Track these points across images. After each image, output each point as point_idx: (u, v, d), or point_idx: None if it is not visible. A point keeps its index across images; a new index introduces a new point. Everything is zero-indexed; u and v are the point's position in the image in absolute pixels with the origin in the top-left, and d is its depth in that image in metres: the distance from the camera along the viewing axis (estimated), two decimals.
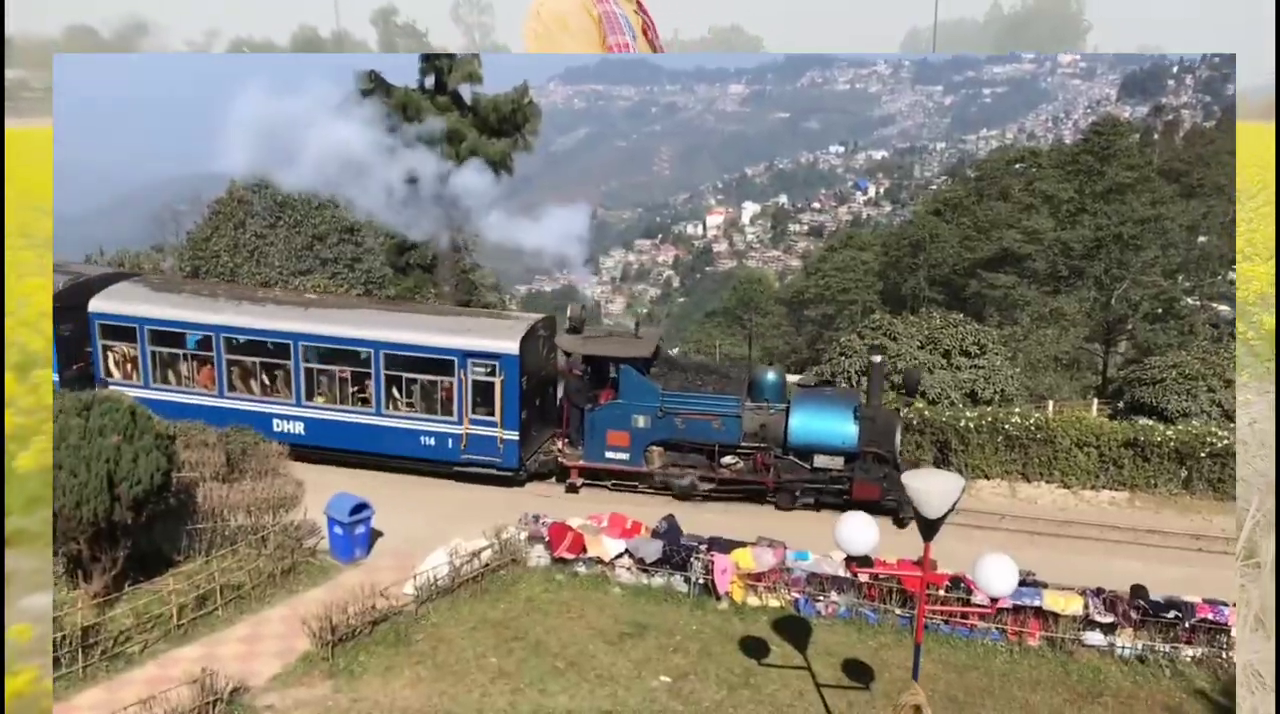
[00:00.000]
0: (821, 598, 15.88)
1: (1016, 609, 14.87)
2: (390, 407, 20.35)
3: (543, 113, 25.18)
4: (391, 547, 17.49)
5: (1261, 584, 9.58)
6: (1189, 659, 14.51)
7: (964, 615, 15.12)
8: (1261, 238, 23.86)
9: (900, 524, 18.59)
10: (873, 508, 18.38)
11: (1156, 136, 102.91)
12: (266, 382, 20.92)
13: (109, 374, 21.33)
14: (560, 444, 20.87)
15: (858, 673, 14.47)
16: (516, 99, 24.11)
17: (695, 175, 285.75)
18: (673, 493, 19.95)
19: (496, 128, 24.28)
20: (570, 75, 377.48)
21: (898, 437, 19.41)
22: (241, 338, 20.78)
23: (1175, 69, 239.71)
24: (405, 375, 20.20)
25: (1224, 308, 64.85)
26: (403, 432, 20.34)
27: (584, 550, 16.79)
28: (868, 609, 15.72)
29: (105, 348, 21.33)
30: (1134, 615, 14.73)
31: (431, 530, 17.59)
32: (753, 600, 16.08)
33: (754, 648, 14.91)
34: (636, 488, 20.37)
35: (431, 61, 24.00)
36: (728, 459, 20.12)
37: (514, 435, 19.96)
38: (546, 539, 16.96)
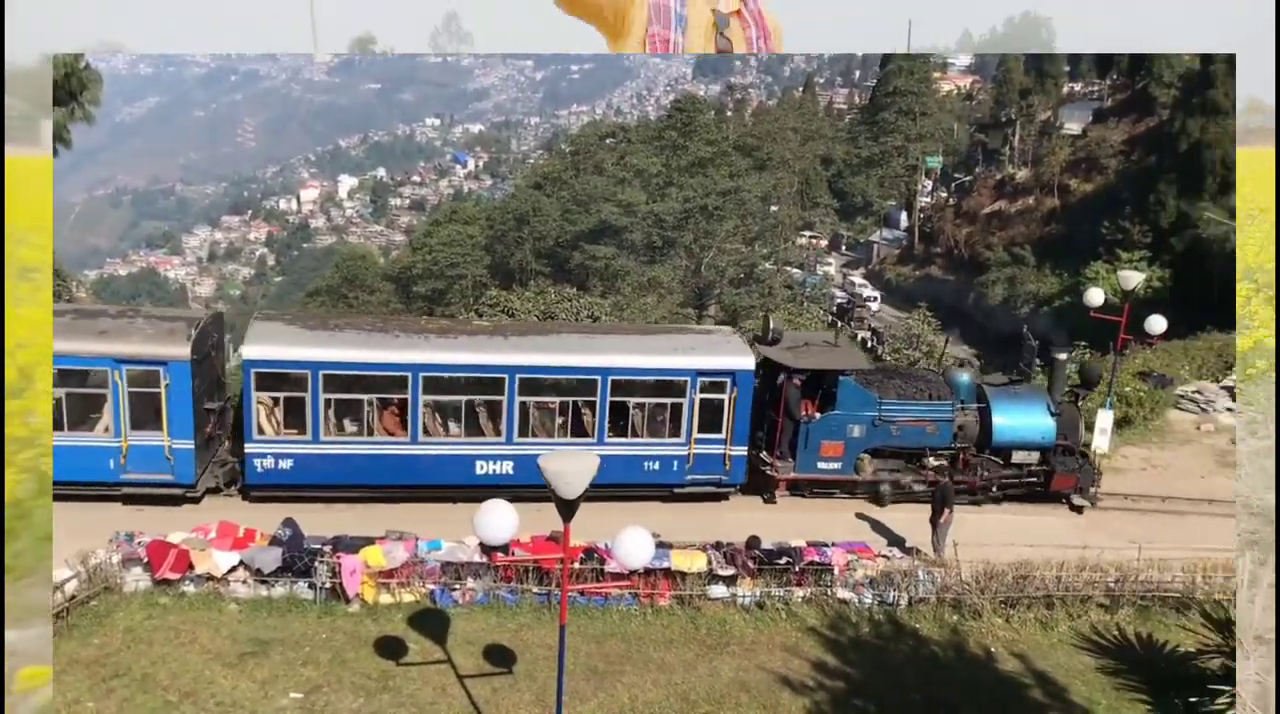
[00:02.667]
0: (458, 586, 15.48)
1: (647, 572, 15.33)
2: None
3: (103, 80, 22.26)
4: None
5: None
6: (800, 600, 15.76)
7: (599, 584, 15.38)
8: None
9: (1078, 510, 20.20)
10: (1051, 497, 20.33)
11: (729, 113, 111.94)
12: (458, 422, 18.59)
13: (261, 432, 17.56)
14: (770, 458, 19.62)
15: (500, 658, 14.25)
16: (70, 63, 21.11)
17: (284, 147, 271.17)
18: (876, 499, 19.69)
19: None
20: None
21: (1080, 428, 20.57)
22: (446, 376, 18.12)
23: (737, 59, 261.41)
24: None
25: (795, 271, 72.34)
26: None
27: (190, 568, 15.12)
28: (505, 591, 15.54)
29: (259, 402, 17.56)
30: (751, 565, 15.72)
31: None
32: (386, 598, 15.33)
33: (391, 648, 14.22)
34: (834, 495, 19.86)
35: None
36: (931, 461, 19.92)
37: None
38: (145, 560, 15.09)
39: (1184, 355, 26.85)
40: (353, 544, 15.51)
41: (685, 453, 19.19)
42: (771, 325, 20.11)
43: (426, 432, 18.41)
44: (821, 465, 19.58)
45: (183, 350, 17.06)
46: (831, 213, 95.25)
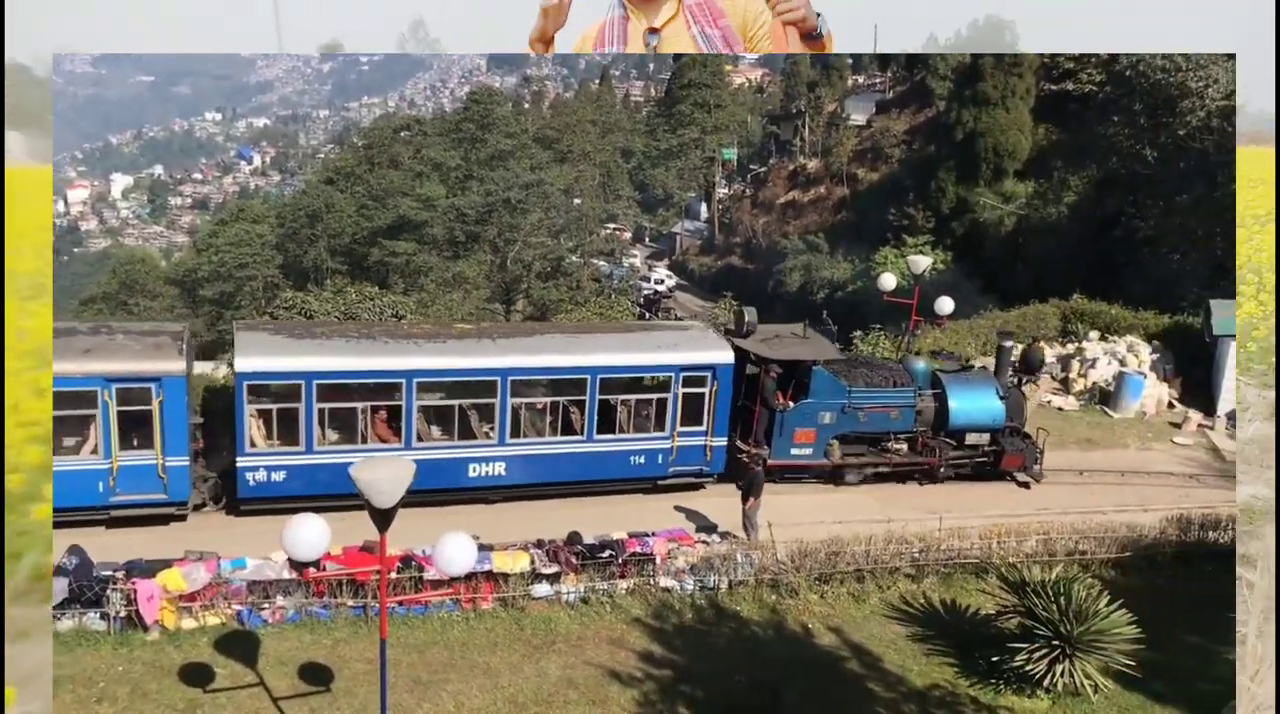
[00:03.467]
0: (267, 605, 14.63)
1: (469, 576, 14.94)
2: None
3: None
4: None
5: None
6: (624, 592, 15.74)
7: (418, 593, 14.87)
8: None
9: (1025, 486, 21.80)
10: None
11: (527, 106, 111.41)
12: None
13: (253, 445, 17.17)
14: (746, 445, 20.33)
15: (316, 676, 13.58)
16: None
17: (45, 146, 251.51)
18: (842, 482, 20.96)
19: None
20: None
21: (1025, 411, 22.22)
22: (438, 380, 18.38)
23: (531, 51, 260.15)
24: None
25: (602, 263, 72.66)
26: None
27: None
28: (318, 607, 14.81)
29: (251, 415, 17.20)
30: (574, 561, 15.58)
31: None
32: (189, 623, 14.33)
33: (198, 675, 13.30)
34: (802, 479, 20.81)
35: None
36: (893, 445, 21.24)
37: None
38: None
39: (969, 334, 28.51)
40: (149, 568, 14.42)
41: (669, 446, 19.81)
42: (746, 318, 20.79)
43: (419, 437, 18.40)
44: (795, 451, 20.54)
45: (177, 365, 16.61)
46: (634, 205, 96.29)
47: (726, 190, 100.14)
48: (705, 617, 15.70)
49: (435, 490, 17.74)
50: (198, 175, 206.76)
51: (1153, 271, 36.89)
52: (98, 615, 14.11)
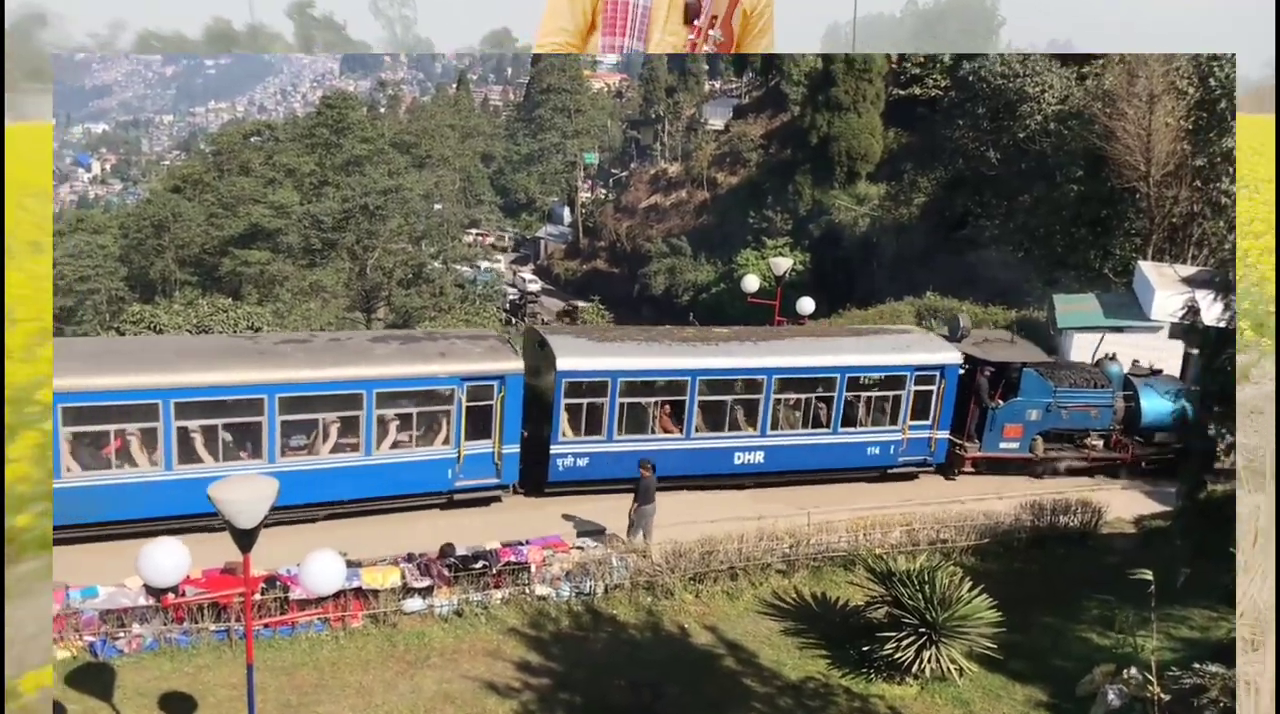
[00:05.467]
0: (122, 634, 13.87)
1: (337, 594, 14.49)
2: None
3: None
4: None
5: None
6: (499, 602, 15.51)
7: (284, 614, 14.35)
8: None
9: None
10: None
11: (383, 110, 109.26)
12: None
13: (564, 435, 19.48)
14: (960, 440, 22.43)
15: (178, 706, 12.95)
16: None
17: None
18: (1047, 473, 22.66)
19: None
20: None
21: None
22: (716, 378, 20.41)
23: (386, 55, 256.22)
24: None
25: (465, 269, 71.84)
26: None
27: None
28: (178, 634, 14.12)
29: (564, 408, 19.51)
30: (446, 573, 15.29)
31: None
32: None
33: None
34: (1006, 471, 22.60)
35: None
36: (1090, 442, 22.97)
37: None
38: None
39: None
40: None
41: (900, 438, 21.82)
42: (961, 324, 23.20)
43: (697, 428, 20.43)
44: (1003, 445, 22.60)
45: (517, 364, 18.81)
46: (496, 210, 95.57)
47: (589, 195, 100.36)
48: (582, 623, 15.63)
49: (706, 476, 20.54)
50: None
51: (999, 269, 38.68)
52: None
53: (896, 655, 14.39)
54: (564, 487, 19.61)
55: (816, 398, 21.21)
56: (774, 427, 20.93)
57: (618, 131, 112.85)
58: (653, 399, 20.24)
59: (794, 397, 21.22)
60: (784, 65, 75.81)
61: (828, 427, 21.33)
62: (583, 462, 19.58)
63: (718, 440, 20.73)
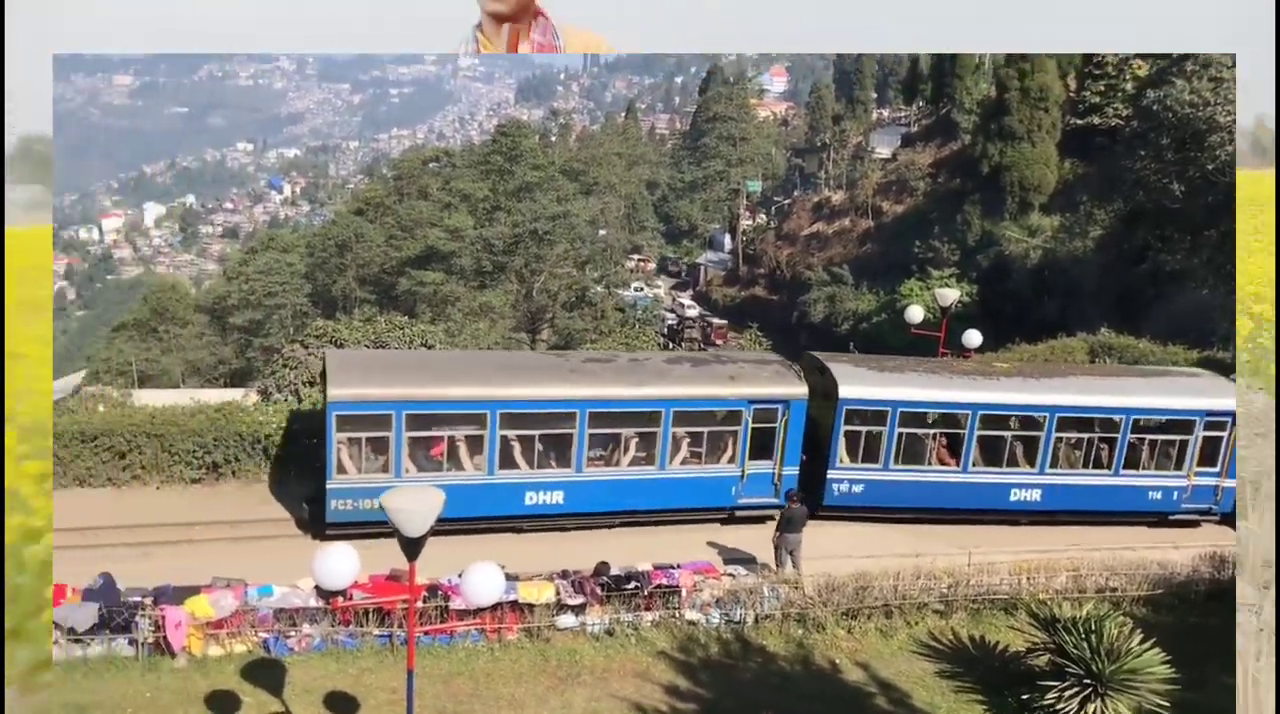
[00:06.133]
0: (293, 633, 14.66)
1: (494, 606, 14.92)
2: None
3: None
4: None
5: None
6: (649, 624, 15.65)
7: (444, 623, 14.86)
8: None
9: None
10: None
11: (554, 138, 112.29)
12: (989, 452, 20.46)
13: (841, 461, 19.81)
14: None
15: (341, 705, 13.56)
16: None
17: (83, 174, 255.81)
18: None
19: None
20: None
21: None
22: (996, 413, 20.29)
23: (562, 76, 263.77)
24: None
25: (626, 293, 73.00)
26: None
27: None
28: (344, 635, 14.82)
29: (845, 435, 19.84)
30: (599, 592, 15.52)
31: None
32: (215, 650, 14.37)
33: (224, 703, 13.31)
34: None
35: None
36: None
37: None
38: None
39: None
40: (176, 594, 14.49)
41: (1185, 484, 21.04)
42: None
43: (974, 462, 20.33)
44: None
45: (802, 390, 19.33)
46: (658, 236, 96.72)
47: (750, 222, 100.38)
48: (731, 651, 15.59)
49: (980, 510, 20.37)
50: (229, 205, 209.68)
51: (1180, 306, 36.61)
52: (126, 641, 14.19)
53: (1059, 707, 13.79)
54: (843, 511, 19.95)
55: (1098, 438, 20.75)
56: (1053, 465, 20.64)
57: (781, 159, 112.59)
58: (931, 431, 20.28)
59: (1075, 436, 20.82)
60: (956, 94, 74.17)
61: (1109, 468, 20.86)
62: (858, 488, 19.83)
63: (995, 476, 20.51)
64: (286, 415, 20.95)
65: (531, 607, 15.30)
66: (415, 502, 9.77)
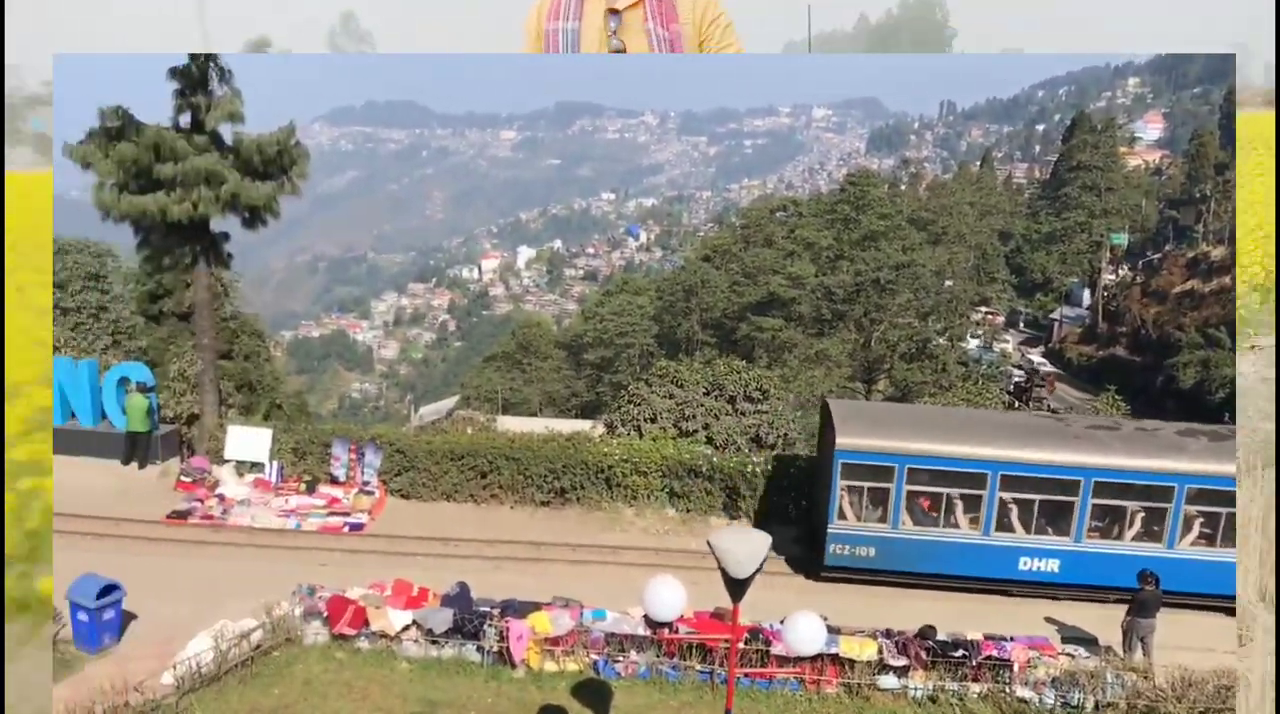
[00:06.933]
0: (621, 658, 15.38)
1: (814, 656, 14.85)
2: None
3: (309, 154, 23.75)
4: (147, 632, 15.67)
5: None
6: (976, 695, 14.91)
7: (764, 667, 14.98)
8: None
9: None
10: None
11: (903, 187, 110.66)
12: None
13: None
14: None
15: None
16: (282, 140, 22.63)
17: (469, 219, 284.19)
18: None
19: (261, 170, 22.73)
20: (336, 116, 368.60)
21: None
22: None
23: (916, 125, 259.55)
24: None
25: (971, 346, 70.29)
26: None
27: (366, 624, 15.60)
28: (667, 667, 15.34)
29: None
30: (924, 656, 15.02)
31: (193, 611, 15.89)
32: (550, 666, 15.36)
33: None
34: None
35: (187, 98, 22.24)
36: None
37: None
38: (324, 614, 15.65)
39: None
40: (521, 609, 15.67)
41: None
42: None
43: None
44: None
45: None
46: (1009, 288, 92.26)
47: (1114, 277, 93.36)
48: None
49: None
50: (590, 249, 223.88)
51: None
52: (474, 647, 15.51)
53: None
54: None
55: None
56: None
57: (1153, 211, 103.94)
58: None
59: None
60: None
61: None
62: None
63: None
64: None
65: (852, 662, 15.08)
66: (742, 543, 9.97)
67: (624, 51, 6.31)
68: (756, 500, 21.40)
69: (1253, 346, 17.28)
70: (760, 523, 20.86)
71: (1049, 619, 17.68)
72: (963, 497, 18.09)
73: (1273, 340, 16.71)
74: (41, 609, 12.42)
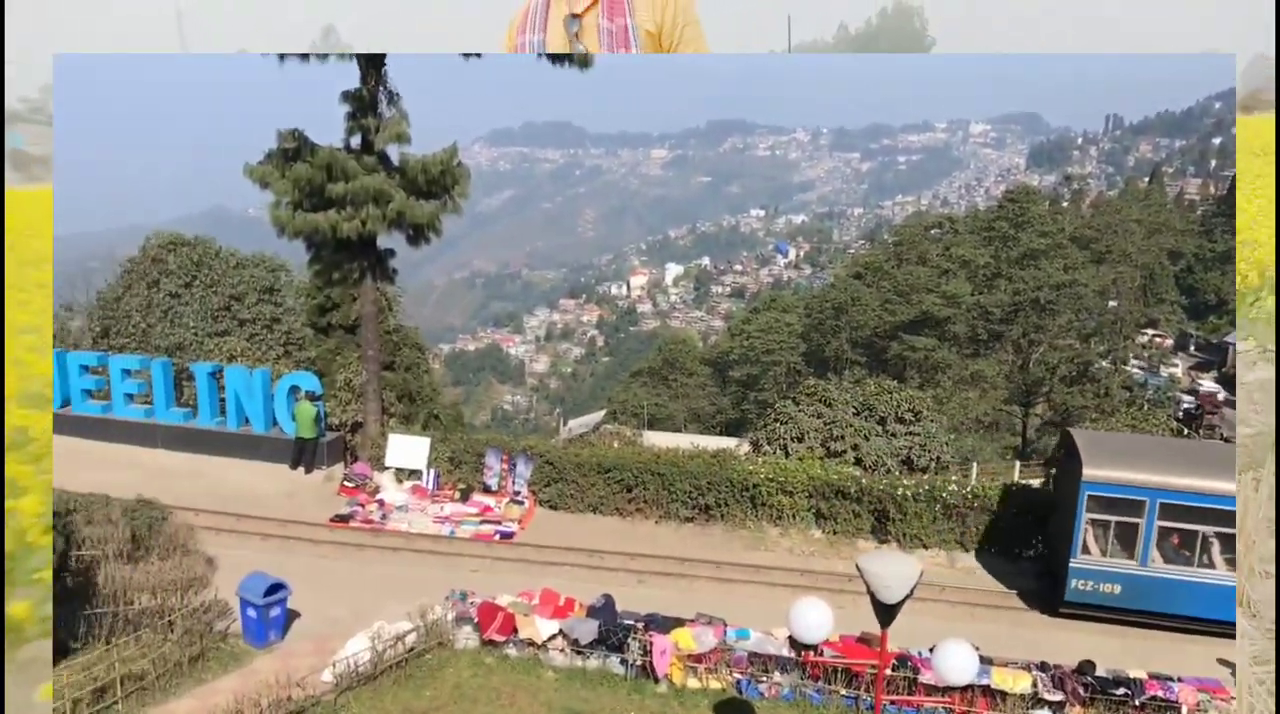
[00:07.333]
0: (764, 679, 15.27)
1: (965, 687, 14.42)
2: None
3: (470, 174, 24.58)
4: (309, 629, 16.46)
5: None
6: None
7: (911, 694, 14.63)
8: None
9: None
10: None
11: (1065, 204, 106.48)
12: None
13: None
14: None
15: None
16: (445, 160, 23.50)
17: (619, 237, 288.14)
18: None
19: (425, 189, 23.65)
20: (496, 137, 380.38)
21: None
22: None
23: (1080, 141, 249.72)
24: None
25: (1135, 370, 66.96)
26: None
27: (515, 631, 15.97)
28: (812, 690, 15.14)
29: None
30: (1082, 693, 14.39)
31: (352, 612, 16.61)
32: (693, 683, 15.39)
33: None
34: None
35: (358, 120, 23.36)
36: None
37: None
38: (475, 620, 16.11)
39: None
40: (664, 624, 15.76)
41: None
42: None
43: None
44: None
45: None
46: (1179, 310, 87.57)
47: None
48: None
49: None
50: (738, 267, 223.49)
51: None
52: (618, 660, 15.67)
53: None
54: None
55: None
56: None
57: None
58: None
59: None
60: None
61: None
62: None
63: None
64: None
65: (1004, 695, 14.58)
66: (893, 568, 9.80)
67: (587, 55, 6.68)
68: (907, 523, 20.94)
69: None
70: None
71: (1222, 661, 16.66)
72: (1219, 536, 17.07)
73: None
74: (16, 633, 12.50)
